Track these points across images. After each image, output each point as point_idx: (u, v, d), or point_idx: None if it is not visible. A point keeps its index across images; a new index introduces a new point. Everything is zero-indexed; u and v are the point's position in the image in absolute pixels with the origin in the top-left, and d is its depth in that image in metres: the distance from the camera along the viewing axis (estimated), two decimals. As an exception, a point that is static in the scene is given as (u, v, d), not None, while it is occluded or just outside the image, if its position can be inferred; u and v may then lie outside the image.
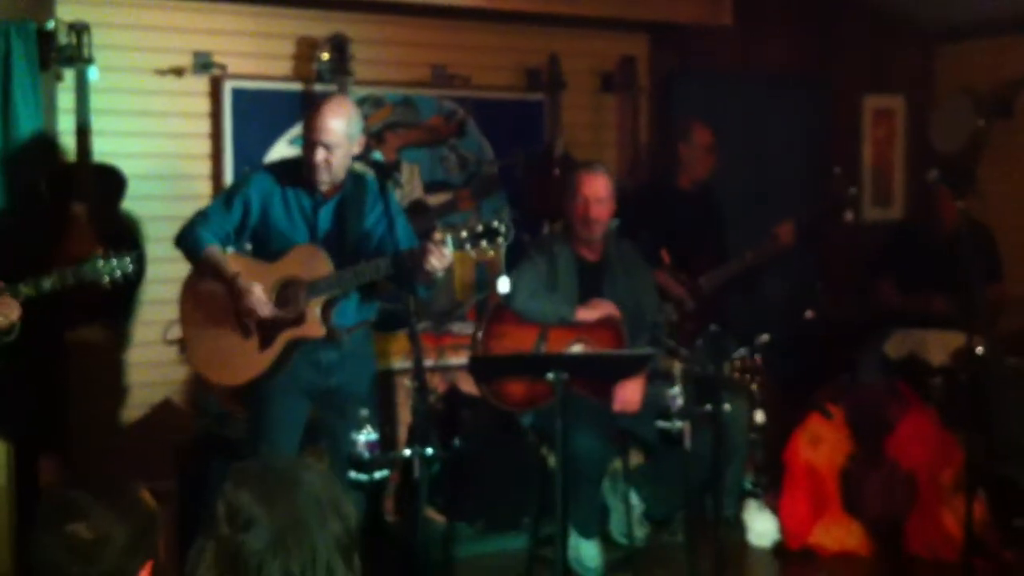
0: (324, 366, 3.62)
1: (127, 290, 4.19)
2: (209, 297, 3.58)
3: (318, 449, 3.89)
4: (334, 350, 3.61)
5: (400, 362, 4.82)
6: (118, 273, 3.35)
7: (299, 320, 3.53)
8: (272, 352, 3.55)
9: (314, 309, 3.53)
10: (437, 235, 3.39)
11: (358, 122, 3.60)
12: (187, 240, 3.60)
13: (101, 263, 3.32)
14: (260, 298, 3.50)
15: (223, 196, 3.69)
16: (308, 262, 3.53)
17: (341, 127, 3.51)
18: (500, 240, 3.39)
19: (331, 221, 3.61)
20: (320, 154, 3.49)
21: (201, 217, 3.62)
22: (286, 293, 3.53)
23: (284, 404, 3.61)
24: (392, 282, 3.61)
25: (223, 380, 3.72)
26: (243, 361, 3.57)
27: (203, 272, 3.60)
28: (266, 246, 3.63)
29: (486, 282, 5.06)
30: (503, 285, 3.59)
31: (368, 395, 3.71)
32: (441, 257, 3.37)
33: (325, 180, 3.55)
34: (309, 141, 3.51)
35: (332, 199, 3.61)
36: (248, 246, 3.71)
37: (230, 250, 3.66)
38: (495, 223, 3.41)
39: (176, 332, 3.83)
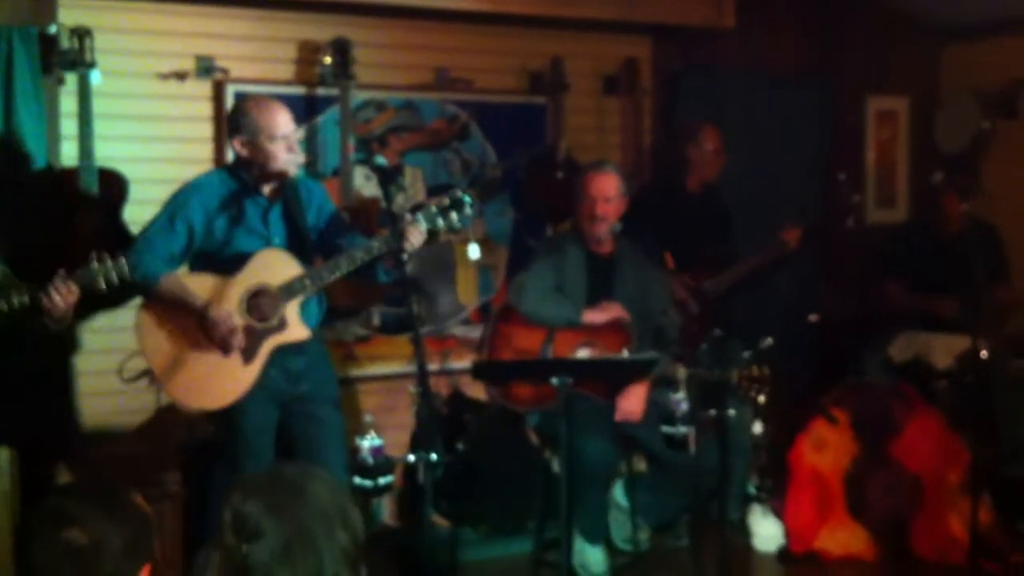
0: (294, 373, 3.59)
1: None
2: (175, 324, 3.49)
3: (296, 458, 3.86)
4: (302, 356, 3.59)
5: (401, 366, 4.82)
6: (113, 275, 3.27)
7: (281, 326, 3.51)
8: (258, 363, 3.51)
9: (294, 311, 3.52)
10: (408, 215, 3.50)
11: None
12: (137, 272, 3.44)
13: (96, 266, 3.25)
14: (235, 330, 3.44)
15: (163, 217, 3.56)
16: (274, 266, 3.51)
17: None
18: (467, 210, 3.55)
19: (283, 225, 3.60)
20: (294, 144, 3.54)
21: (144, 244, 3.52)
22: (258, 302, 3.50)
23: (260, 412, 3.57)
24: (360, 274, 3.59)
25: (211, 405, 3.59)
26: (228, 380, 3.50)
27: (162, 301, 3.51)
28: (215, 260, 3.54)
29: (489, 285, 5.06)
30: (473, 251, 3.67)
31: (337, 399, 3.73)
32: (420, 235, 3.48)
33: (295, 171, 3.57)
34: (279, 136, 3.50)
35: (277, 202, 3.60)
36: (184, 267, 3.61)
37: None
38: (459, 194, 3.56)
39: (137, 366, 3.72)
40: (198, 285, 3.51)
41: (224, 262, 3.52)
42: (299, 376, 3.60)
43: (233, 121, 3.57)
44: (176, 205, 3.56)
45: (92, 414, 4.38)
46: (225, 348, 3.47)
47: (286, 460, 3.56)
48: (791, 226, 4.82)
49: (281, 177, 3.56)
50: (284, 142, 3.51)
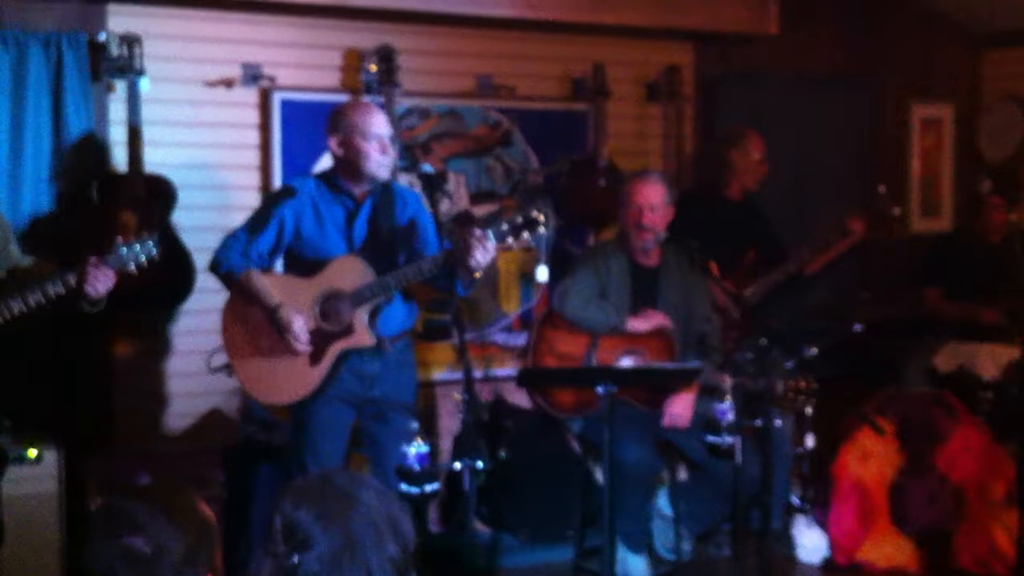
0: (368, 377, 3.63)
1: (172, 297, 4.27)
2: (252, 320, 3.59)
3: (360, 456, 3.91)
4: (378, 360, 3.63)
5: (443, 372, 4.84)
6: (143, 258, 3.26)
7: (348, 331, 3.56)
8: (323, 366, 3.57)
9: (361, 318, 3.56)
10: (478, 230, 3.43)
11: None
12: (222, 267, 3.61)
13: (124, 251, 3.23)
14: (299, 334, 3.51)
15: (255, 216, 3.67)
16: (348, 272, 3.56)
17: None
18: (540, 229, 3.46)
19: (366, 229, 3.64)
20: (388, 146, 3.59)
21: (233, 240, 3.63)
22: (329, 305, 3.55)
23: (329, 414, 3.62)
24: (431, 283, 3.62)
25: (276, 400, 3.70)
26: (294, 379, 3.58)
27: (243, 296, 3.61)
28: (301, 261, 3.63)
29: (531, 293, 5.06)
30: (542, 274, 3.61)
31: (412, 405, 3.74)
32: (485, 251, 3.41)
33: (386, 174, 3.63)
34: (373, 135, 3.57)
35: (364, 206, 3.65)
36: (279, 263, 3.71)
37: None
38: (534, 213, 3.47)
39: (220, 359, 3.84)
40: (276, 285, 3.60)
41: (310, 263, 3.60)
42: (373, 380, 3.64)
43: (331, 121, 3.65)
44: (268, 206, 3.67)
45: (175, 413, 4.49)
46: (291, 348, 3.53)
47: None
48: (854, 215, 4.77)
49: (372, 178, 3.62)
50: (378, 142, 3.58)
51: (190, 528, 1.93)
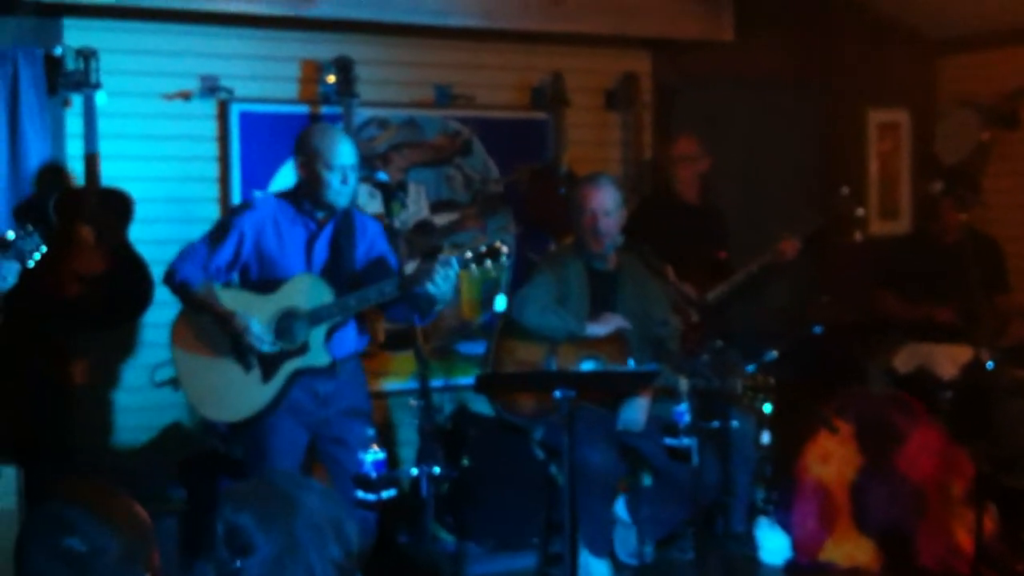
0: (322, 396, 3.63)
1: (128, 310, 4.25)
2: (204, 333, 3.57)
3: (320, 467, 3.89)
4: (331, 380, 3.63)
5: (405, 382, 4.84)
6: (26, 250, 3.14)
7: (303, 350, 3.56)
8: (275, 384, 3.56)
9: (317, 338, 3.56)
10: (443, 255, 3.46)
11: None
12: (177, 276, 3.58)
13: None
14: (259, 334, 3.51)
15: (214, 229, 3.66)
16: (307, 291, 3.56)
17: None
18: (503, 260, 3.48)
19: (327, 253, 3.65)
20: (349, 176, 3.58)
21: (191, 252, 3.61)
22: (286, 323, 3.56)
23: (284, 432, 3.60)
24: (390, 313, 3.62)
25: (224, 416, 3.69)
26: (245, 395, 3.56)
27: (195, 309, 3.59)
28: (259, 278, 3.62)
29: (492, 301, 5.07)
30: (500, 303, 3.65)
31: (368, 419, 3.72)
32: (447, 278, 3.43)
33: (345, 203, 3.62)
34: (336, 166, 3.56)
35: (325, 230, 3.66)
36: (235, 278, 3.68)
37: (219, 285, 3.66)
38: (497, 243, 3.50)
39: (166, 374, 3.81)
40: (231, 299, 3.58)
41: (266, 281, 3.59)
42: (327, 399, 3.65)
43: (297, 143, 3.66)
44: (229, 220, 3.66)
45: (136, 427, 4.46)
46: (253, 350, 3.51)
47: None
48: (789, 237, 4.83)
49: (330, 207, 3.61)
50: (340, 173, 3.57)
51: (126, 529, 1.93)
